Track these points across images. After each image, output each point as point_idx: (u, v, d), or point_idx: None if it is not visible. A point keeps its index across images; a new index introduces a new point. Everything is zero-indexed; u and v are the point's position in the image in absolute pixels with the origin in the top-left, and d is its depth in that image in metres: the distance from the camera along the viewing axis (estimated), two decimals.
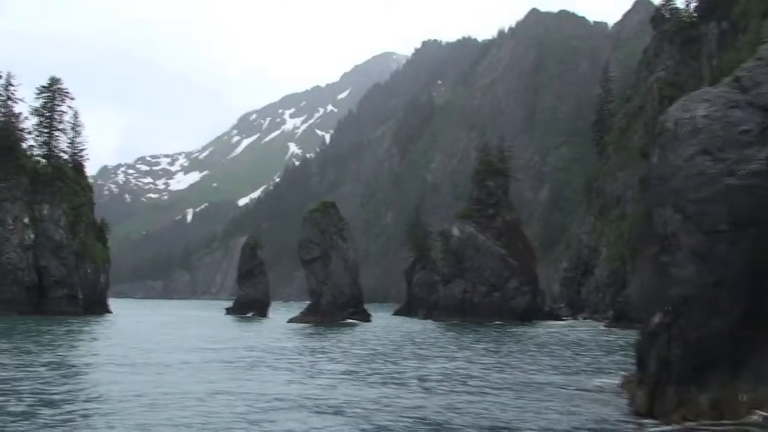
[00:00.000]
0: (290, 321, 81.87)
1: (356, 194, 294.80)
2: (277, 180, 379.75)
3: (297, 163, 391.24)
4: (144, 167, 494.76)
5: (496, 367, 32.09)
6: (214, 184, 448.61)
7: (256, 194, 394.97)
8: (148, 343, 44.30)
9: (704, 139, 20.69)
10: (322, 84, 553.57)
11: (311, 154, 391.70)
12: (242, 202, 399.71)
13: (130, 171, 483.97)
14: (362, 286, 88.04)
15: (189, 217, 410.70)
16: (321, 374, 28.71)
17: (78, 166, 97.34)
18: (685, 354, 18.36)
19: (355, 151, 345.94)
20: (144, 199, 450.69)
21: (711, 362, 18.12)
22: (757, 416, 17.07)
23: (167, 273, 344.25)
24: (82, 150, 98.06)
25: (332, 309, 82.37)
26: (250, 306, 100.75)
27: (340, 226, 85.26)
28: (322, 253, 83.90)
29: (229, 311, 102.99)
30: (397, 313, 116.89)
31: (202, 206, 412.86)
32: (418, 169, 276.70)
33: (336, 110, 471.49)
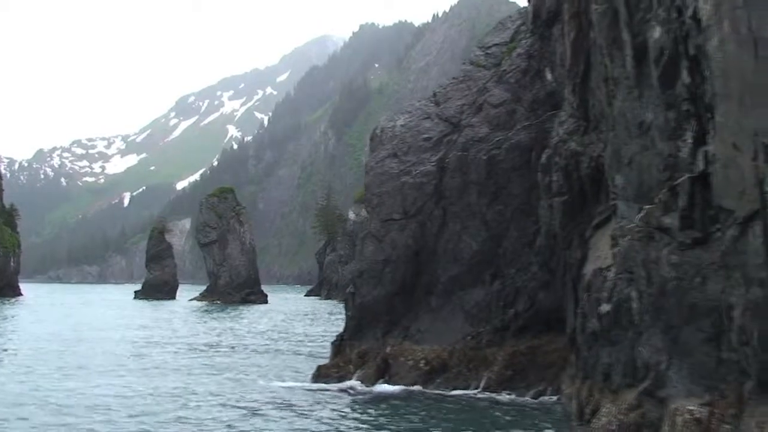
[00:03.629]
0: (190, 300, 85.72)
1: (293, 177, 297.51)
2: (215, 163, 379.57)
3: (235, 146, 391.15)
4: (80, 150, 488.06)
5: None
6: (152, 168, 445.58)
7: (194, 177, 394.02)
8: None
9: (396, 144, 25.76)
10: (261, 66, 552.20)
11: (250, 137, 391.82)
12: (180, 185, 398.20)
13: (66, 154, 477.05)
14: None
15: (126, 201, 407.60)
16: None
17: None
18: (354, 316, 23.47)
19: (292, 134, 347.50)
20: (80, 183, 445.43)
21: (370, 322, 23.23)
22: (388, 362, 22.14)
23: (103, 258, 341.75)
24: None
25: (229, 290, 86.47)
26: (158, 288, 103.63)
27: (237, 210, 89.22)
28: (219, 236, 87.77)
29: (137, 294, 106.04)
30: (308, 293, 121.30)
31: (140, 190, 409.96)
32: (354, 152, 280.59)
33: (275, 93, 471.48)
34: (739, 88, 13.94)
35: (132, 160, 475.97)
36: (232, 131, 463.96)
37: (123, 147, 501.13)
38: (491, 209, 23.94)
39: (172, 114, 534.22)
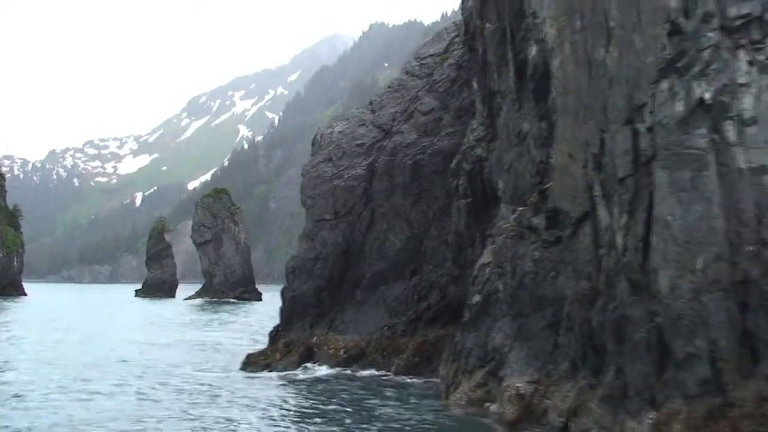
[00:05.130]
0: (186, 299, 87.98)
1: None
2: (226, 163, 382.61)
3: (246, 145, 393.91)
4: (92, 151, 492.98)
5: None
6: (164, 168, 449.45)
7: (206, 177, 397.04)
8: None
9: (332, 150, 27.77)
10: (272, 66, 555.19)
11: (261, 137, 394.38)
12: (192, 185, 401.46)
13: (78, 155, 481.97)
14: None
15: (138, 201, 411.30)
16: None
17: None
18: (285, 309, 25.48)
19: (302, 134, 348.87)
20: (92, 183, 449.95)
21: (300, 314, 25.23)
22: (319, 351, 24.14)
23: (114, 257, 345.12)
24: None
25: (223, 288, 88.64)
26: (158, 287, 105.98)
27: (232, 210, 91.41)
28: (214, 236, 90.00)
29: (138, 293, 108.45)
30: None
31: (152, 190, 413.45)
32: None
33: (286, 92, 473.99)
34: (575, 104, 15.83)
35: (144, 160, 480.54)
36: (243, 131, 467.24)
37: (135, 147, 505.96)
38: (415, 210, 25.87)
39: (184, 114, 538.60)
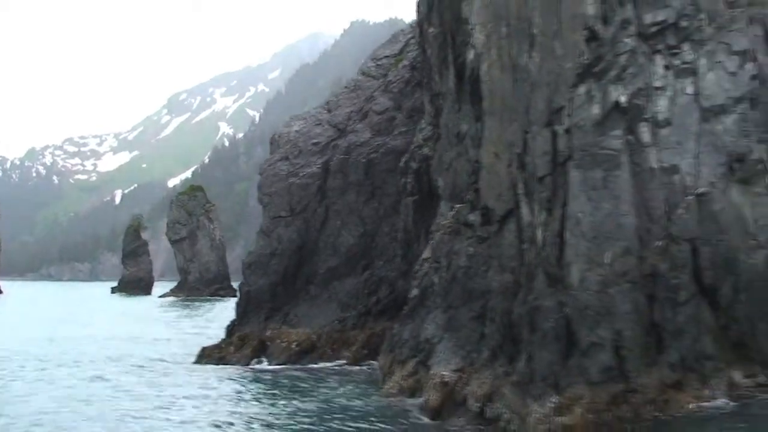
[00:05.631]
0: (160, 297, 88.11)
1: None
2: (207, 160, 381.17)
3: (226, 143, 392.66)
4: (72, 148, 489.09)
5: None
6: (144, 165, 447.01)
7: (186, 174, 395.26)
8: None
9: (288, 148, 28.39)
10: (253, 64, 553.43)
11: (242, 134, 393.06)
12: (172, 182, 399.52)
13: (58, 152, 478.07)
14: None
15: (118, 199, 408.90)
16: None
17: None
18: (241, 303, 26.12)
19: None
20: (72, 181, 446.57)
21: (255, 308, 25.87)
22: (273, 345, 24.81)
23: (94, 255, 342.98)
24: None
25: (199, 285, 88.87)
26: (134, 284, 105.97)
27: (207, 208, 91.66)
28: (189, 233, 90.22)
29: (114, 290, 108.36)
30: None
31: (132, 187, 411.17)
32: None
33: (267, 89, 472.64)
34: (500, 106, 16.62)
35: (124, 157, 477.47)
36: (224, 128, 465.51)
37: (115, 145, 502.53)
38: (368, 207, 26.60)
39: (164, 111, 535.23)
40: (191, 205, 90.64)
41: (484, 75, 17.07)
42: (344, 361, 23.18)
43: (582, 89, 15.43)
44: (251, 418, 15.97)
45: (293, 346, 24.13)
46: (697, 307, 14.21)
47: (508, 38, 16.64)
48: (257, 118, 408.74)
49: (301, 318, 25.28)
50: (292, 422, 15.35)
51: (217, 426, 15.30)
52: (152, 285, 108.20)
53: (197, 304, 71.66)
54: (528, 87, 16.10)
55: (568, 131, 15.32)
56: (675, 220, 14.81)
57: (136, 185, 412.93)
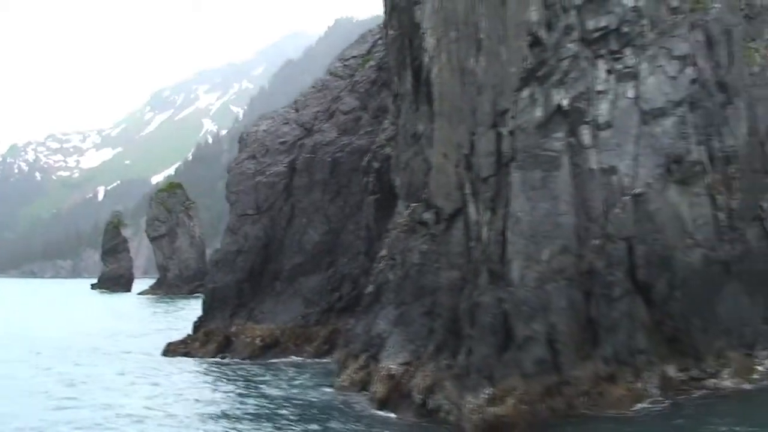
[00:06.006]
0: (140, 294, 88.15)
1: None
2: (190, 157, 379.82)
3: (210, 140, 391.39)
4: (55, 144, 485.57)
5: None
6: (127, 162, 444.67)
7: (169, 171, 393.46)
8: None
9: (255, 147, 28.79)
10: (237, 60, 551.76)
11: (226, 131, 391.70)
12: (155, 179, 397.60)
13: (40, 149, 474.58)
14: None
15: (101, 195, 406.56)
16: None
17: None
18: (207, 300, 26.53)
19: None
20: (55, 177, 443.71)
21: (221, 305, 26.28)
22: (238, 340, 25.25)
23: (77, 252, 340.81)
24: None
25: (178, 282, 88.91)
26: (114, 281, 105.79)
27: (186, 205, 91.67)
28: (168, 230, 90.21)
29: (94, 287, 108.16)
30: None
31: (115, 184, 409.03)
32: None
33: (251, 86, 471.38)
34: (449, 108, 17.13)
35: (107, 154, 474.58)
36: (208, 125, 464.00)
37: (98, 141, 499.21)
38: (333, 205, 27.07)
39: (148, 108, 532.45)
40: (171, 203, 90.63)
41: (435, 78, 17.58)
42: (305, 356, 23.64)
43: (525, 93, 15.98)
44: (198, 404, 16.49)
45: (257, 342, 24.58)
46: (631, 303, 14.80)
47: (457, 42, 17.15)
48: (241, 115, 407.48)
49: (265, 314, 25.72)
50: (239, 412, 15.88)
51: (161, 412, 15.82)
52: (132, 282, 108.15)
53: (175, 301, 71.83)
54: (475, 90, 16.61)
55: (511, 133, 15.87)
56: (612, 219, 15.39)
57: (119, 182, 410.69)
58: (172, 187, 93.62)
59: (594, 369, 14.16)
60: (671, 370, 14.89)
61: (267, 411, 15.94)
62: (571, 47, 16.33)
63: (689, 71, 16.80)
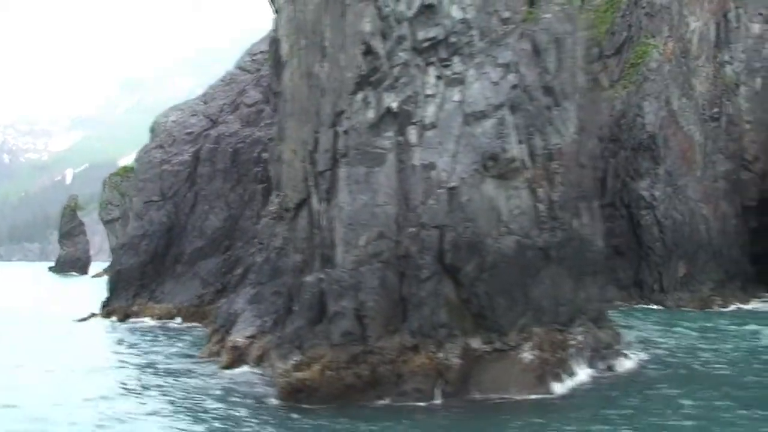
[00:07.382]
0: (93, 276, 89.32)
1: None
2: None
3: None
4: (24, 126, 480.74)
5: None
6: (97, 145, 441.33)
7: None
8: None
9: (163, 138, 30.51)
10: (211, 47, 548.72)
11: None
12: (123, 163, 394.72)
13: (9, 130, 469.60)
14: None
15: (69, 178, 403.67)
16: None
17: None
18: (112, 280, 28.31)
19: None
20: (23, 159, 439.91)
21: (125, 286, 28.09)
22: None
23: (44, 235, 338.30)
24: None
25: None
26: (71, 264, 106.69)
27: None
28: (121, 214, 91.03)
29: (51, 270, 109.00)
30: None
31: (83, 167, 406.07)
32: None
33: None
34: (298, 108, 19.07)
35: (76, 136, 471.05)
36: None
37: (68, 124, 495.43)
38: (233, 193, 28.95)
39: (119, 92, 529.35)
40: (124, 186, 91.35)
41: (288, 81, 19.49)
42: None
43: (359, 96, 17.92)
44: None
45: (154, 318, 26.46)
46: (438, 284, 16.85)
47: (306, 49, 19.04)
48: None
49: (166, 294, 27.61)
50: (110, 370, 18.02)
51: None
52: (89, 265, 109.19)
53: None
54: (319, 93, 18.53)
55: (346, 132, 17.82)
56: (426, 209, 17.43)
57: (87, 165, 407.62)
58: (125, 171, 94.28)
59: (400, 340, 16.22)
60: (476, 343, 16.98)
61: (136, 371, 18.02)
62: (403, 55, 18.27)
63: (511, 77, 18.81)
